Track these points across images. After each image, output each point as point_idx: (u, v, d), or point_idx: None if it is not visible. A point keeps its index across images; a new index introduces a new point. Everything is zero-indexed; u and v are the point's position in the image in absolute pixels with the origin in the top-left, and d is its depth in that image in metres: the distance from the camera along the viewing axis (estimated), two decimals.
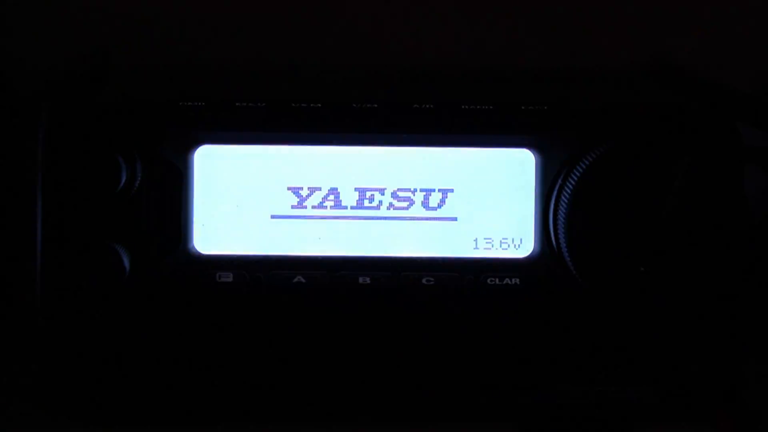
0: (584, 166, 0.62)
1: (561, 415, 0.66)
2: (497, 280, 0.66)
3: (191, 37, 0.66)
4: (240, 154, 0.66)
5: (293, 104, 0.65)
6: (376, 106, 0.65)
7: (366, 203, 0.66)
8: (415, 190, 0.66)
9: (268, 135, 0.66)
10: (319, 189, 0.66)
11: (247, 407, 0.66)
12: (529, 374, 0.66)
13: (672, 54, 0.67)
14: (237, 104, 0.65)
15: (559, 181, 0.64)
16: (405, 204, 0.66)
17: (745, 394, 0.67)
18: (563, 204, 0.63)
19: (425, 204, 0.66)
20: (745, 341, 0.69)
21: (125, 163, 0.63)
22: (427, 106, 0.65)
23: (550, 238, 0.65)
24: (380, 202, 0.66)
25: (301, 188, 0.66)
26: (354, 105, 0.65)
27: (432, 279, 0.66)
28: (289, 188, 0.66)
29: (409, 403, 0.67)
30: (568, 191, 0.62)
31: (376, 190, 0.66)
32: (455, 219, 0.66)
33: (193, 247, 0.66)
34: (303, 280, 0.66)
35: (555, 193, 0.65)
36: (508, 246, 0.66)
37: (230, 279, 0.66)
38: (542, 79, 0.69)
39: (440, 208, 0.66)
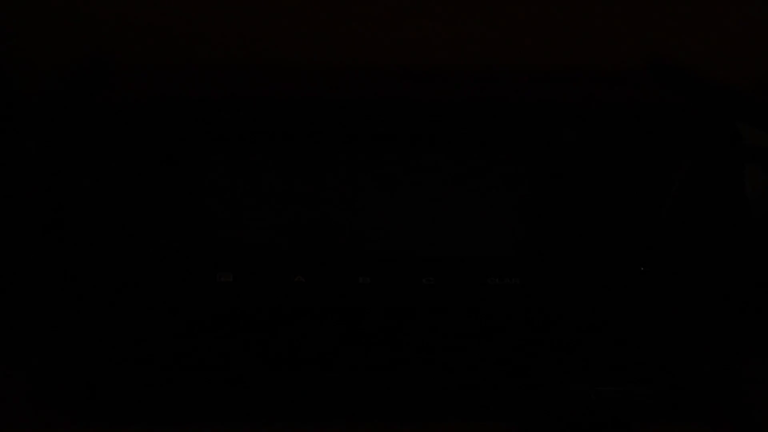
0: (584, 166, 0.62)
1: (561, 415, 0.66)
2: (497, 280, 0.66)
3: (191, 37, 0.66)
4: (239, 153, 0.66)
5: (291, 104, 0.65)
6: (375, 105, 0.65)
7: (366, 202, 0.66)
8: (414, 188, 0.66)
9: (268, 135, 0.66)
10: (319, 188, 0.66)
11: (247, 407, 0.66)
12: (529, 374, 0.66)
13: (672, 54, 0.67)
14: (236, 104, 0.65)
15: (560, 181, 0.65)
16: (405, 203, 0.66)
17: (745, 394, 0.67)
18: (563, 204, 0.63)
19: (424, 203, 0.66)
20: (745, 341, 0.69)
21: (125, 162, 0.63)
22: (428, 106, 0.65)
23: (550, 238, 0.65)
24: (380, 200, 0.66)
25: (301, 188, 0.66)
26: (353, 104, 0.65)
27: (432, 279, 0.66)
28: (289, 188, 0.66)
29: (409, 402, 0.67)
30: (568, 191, 0.62)
31: (375, 188, 0.66)
32: (455, 219, 0.66)
33: (194, 247, 0.66)
34: (303, 280, 0.66)
35: (555, 193, 0.65)
36: (509, 246, 0.66)
37: (230, 279, 0.66)
38: (542, 79, 0.69)
39: (439, 207, 0.66)
